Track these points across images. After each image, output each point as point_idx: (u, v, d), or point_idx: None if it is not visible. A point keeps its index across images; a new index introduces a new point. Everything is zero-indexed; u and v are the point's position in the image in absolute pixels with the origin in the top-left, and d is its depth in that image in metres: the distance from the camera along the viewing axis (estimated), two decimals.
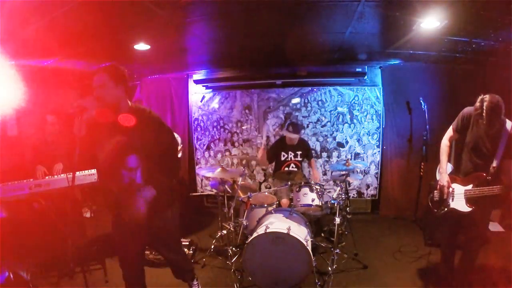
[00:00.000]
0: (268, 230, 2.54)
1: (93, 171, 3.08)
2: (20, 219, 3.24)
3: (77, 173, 3.13)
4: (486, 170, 2.25)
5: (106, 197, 1.99)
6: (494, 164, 2.21)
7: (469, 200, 2.33)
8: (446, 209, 2.45)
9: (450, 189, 2.41)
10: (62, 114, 3.41)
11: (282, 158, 3.79)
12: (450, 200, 2.42)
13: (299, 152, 3.78)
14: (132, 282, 2.04)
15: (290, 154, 3.78)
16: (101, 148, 1.84)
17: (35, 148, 3.43)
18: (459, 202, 2.38)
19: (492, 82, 3.79)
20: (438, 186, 2.46)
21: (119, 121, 1.80)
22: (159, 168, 1.91)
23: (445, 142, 2.50)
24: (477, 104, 2.14)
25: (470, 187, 2.34)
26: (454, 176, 2.45)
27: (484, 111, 2.08)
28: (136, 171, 1.84)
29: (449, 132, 2.49)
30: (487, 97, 2.10)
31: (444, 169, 2.45)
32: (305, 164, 3.98)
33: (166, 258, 2.21)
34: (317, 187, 3.07)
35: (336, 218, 3.01)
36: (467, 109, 2.34)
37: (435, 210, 2.54)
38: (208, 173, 3.26)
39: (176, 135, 2.72)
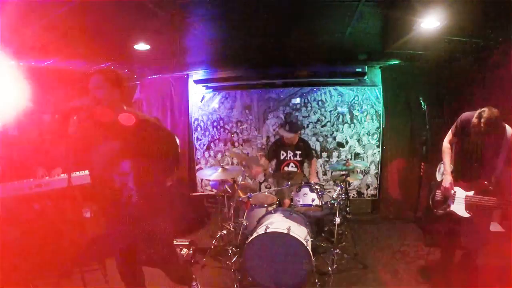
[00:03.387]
0: (268, 230, 2.54)
1: None
2: (20, 219, 3.25)
3: (78, 173, 3.15)
4: (487, 177, 2.22)
5: (99, 200, 1.97)
6: (496, 173, 2.18)
7: (468, 206, 2.31)
8: (445, 210, 2.44)
9: (452, 192, 2.40)
10: (58, 113, 3.41)
11: (282, 157, 3.79)
12: (451, 203, 2.42)
13: (298, 152, 3.77)
14: (130, 282, 2.03)
15: (290, 153, 3.78)
16: (94, 151, 1.82)
17: (35, 148, 3.42)
18: (459, 206, 2.37)
19: (492, 82, 3.79)
20: (442, 187, 2.44)
21: (113, 124, 1.78)
22: (156, 171, 1.89)
23: (445, 145, 2.50)
24: (475, 119, 2.09)
25: (471, 193, 2.31)
26: (458, 179, 2.42)
27: (482, 127, 2.04)
28: (129, 176, 1.81)
29: (449, 135, 2.49)
30: (485, 111, 2.05)
31: (448, 171, 2.44)
32: (305, 165, 3.98)
33: (158, 266, 2.12)
34: (317, 187, 3.07)
35: (336, 218, 3.00)
36: (465, 115, 2.29)
37: (435, 210, 2.54)
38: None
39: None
